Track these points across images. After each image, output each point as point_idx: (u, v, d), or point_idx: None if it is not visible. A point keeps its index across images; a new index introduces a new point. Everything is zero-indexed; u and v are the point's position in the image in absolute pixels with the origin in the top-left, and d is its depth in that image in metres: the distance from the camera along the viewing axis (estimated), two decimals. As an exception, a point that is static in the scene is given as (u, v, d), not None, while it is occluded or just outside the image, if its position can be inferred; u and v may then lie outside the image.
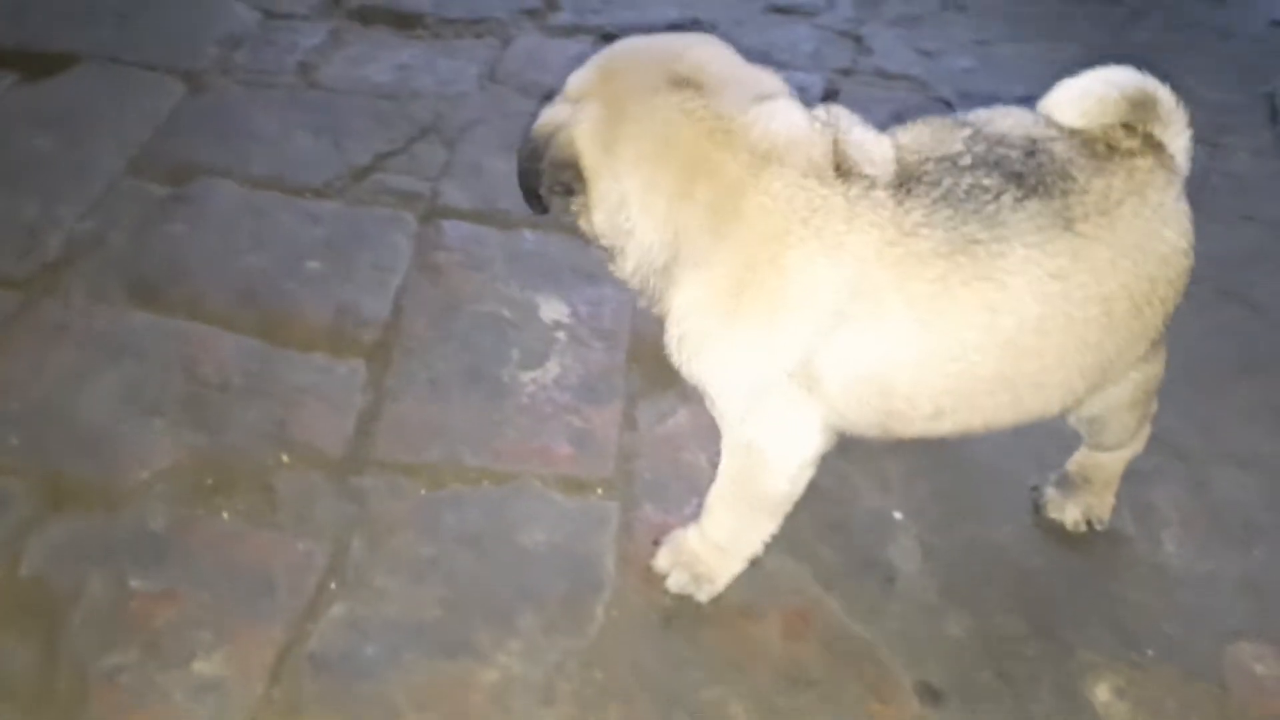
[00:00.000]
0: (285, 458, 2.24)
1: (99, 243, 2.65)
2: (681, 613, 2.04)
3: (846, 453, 2.05)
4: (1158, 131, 1.76)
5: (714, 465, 2.12)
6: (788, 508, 1.97)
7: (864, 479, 2.30)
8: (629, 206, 1.76)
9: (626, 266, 1.84)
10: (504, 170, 2.95)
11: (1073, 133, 1.75)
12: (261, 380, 2.38)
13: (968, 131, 1.77)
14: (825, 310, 1.71)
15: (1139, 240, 1.72)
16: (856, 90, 3.43)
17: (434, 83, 3.29)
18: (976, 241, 1.68)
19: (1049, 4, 4.05)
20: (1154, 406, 2.08)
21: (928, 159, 1.74)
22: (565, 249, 2.76)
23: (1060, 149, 1.73)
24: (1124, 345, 1.79)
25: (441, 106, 3.19)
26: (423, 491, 2.21)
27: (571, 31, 3.58)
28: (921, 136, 1.78)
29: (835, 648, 2.01)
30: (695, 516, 2.09)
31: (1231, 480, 2.38)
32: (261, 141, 3.00)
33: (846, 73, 3.54)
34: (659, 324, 2.55)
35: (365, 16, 3.55)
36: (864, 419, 1.83)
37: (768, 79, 1.80)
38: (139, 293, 2.53)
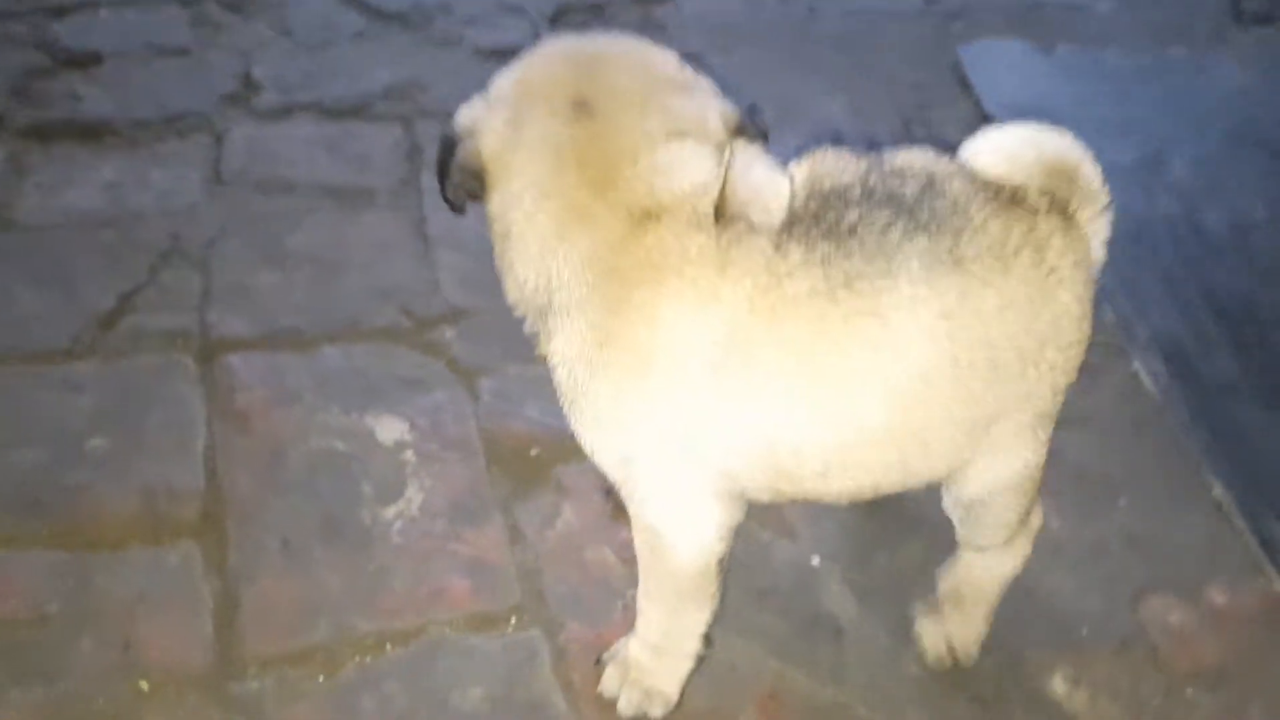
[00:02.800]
0: (144, 685, 1.89)
1: None
2: (654, 733, 1.90)
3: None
4: (1073, 205, 1.69)
5: (621, 558, 1.99)
6: (710, 589, 1.85)
7: (769, 532, 2.23)
8: (510, 239, 1.63)
9: (510, 295, 1.70)
10: (272, 283, 2.67)
11: (977, 175, 1.67)
12: (83, 600, 1.99)
13: (864, 164, 1.68)
14: (698, 365, 1.60)
15: (1032, 295, 1.64)
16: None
17: (154, 198, 2.89)
18: (860, 276, 1.58)
19: (732, 12, 4.13)
20: (1036, 521, 2.00)
21: (815, 194, 1.64)
22: (376, 357, 2.51)
23: (959, 186, 1.65)
24: (1008, 402, 1.71)
25: (174, 225, 2.81)
26: (321, 679, 1.93)
27: (284, 113, 3.26)
28: (816, 170, 1.68)
29: (816, 721, 1.94)
30: (625, 619, 1.95)
31: (1075, 443, 2.49)
32: (-26, 308, 2.52)
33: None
34: (507, 415, 2.40)
35: (42, 134, 3.07)
36: (753, 479, 1.72)
37: (685, 105, 1.64)
38: (-110, 533, 2.06)
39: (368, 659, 1.96)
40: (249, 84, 3.36)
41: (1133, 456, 2.47)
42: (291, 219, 2.86)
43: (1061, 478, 2.40)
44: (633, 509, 1.79)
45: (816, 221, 1.60)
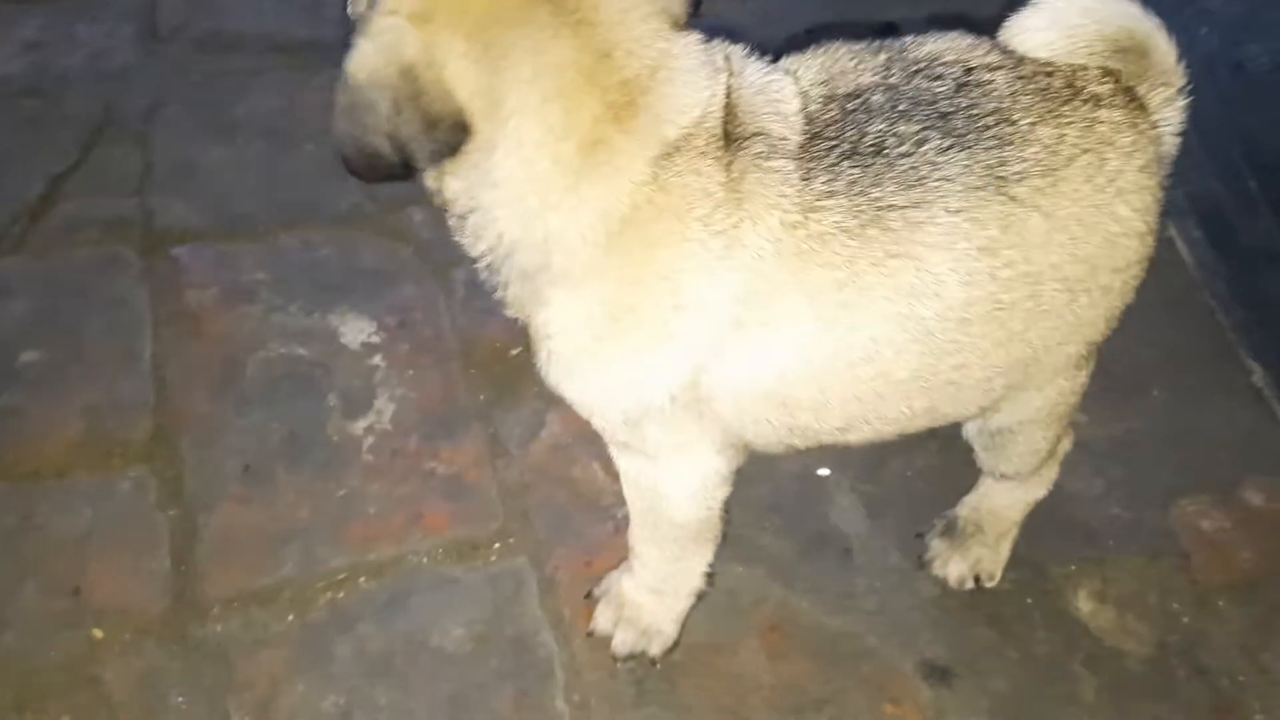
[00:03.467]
0: (98, 632, 1.75)
1: None
2: (650, 672, 1.77)
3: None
4: (1143, 89, 1.43)
5: (611, 473, 1.82)
6: (713, 531, 1.69)
7: (772, 438, 2.05)
8: (496, 188, 1.33)
9: (475, 247, 1.43)
10: (220, 160, 2.41)
11: (1023, 61, 1.41)
12: (24, 540, 1.84)
13: (883, 57, 1.42)
14: (718, 323, 1.38)
15: (1084, 214, 1.39)
16: None
17: (83, 60, 2.59)
18: (891, 208, 1.35)
19: None
20: (1067, 444, 1.83)
21: (832, 99, 1.39)
22: (340, 247, 2.28)
23: (1002, 81, 1.39)
24: (1051, 339, 1.48)
25: (107, 92, 2.52)
26: (291, 619, 1.79)
27: (226, -49, 2.91)
28: (828, 68, 1.42)
29: (824, 654, 1.81)
30: (617, 542, 1.79)
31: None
32: (-117, 199, 2.27)
33: None
34: (484, 311, 2.18)
35: (-50, -14, 2.74)
36: (764, 437, 1.53)
37: None
38: None
39: (340, 595, 1.81)
40: (185, -83, 2.99)
41: (1165, 339, 2.28)
42: (239, 82, 2.57)
43: (1088, 364, 2.22)
44: (627, 464, 1.61)
45: (837, 138, 1.36)
